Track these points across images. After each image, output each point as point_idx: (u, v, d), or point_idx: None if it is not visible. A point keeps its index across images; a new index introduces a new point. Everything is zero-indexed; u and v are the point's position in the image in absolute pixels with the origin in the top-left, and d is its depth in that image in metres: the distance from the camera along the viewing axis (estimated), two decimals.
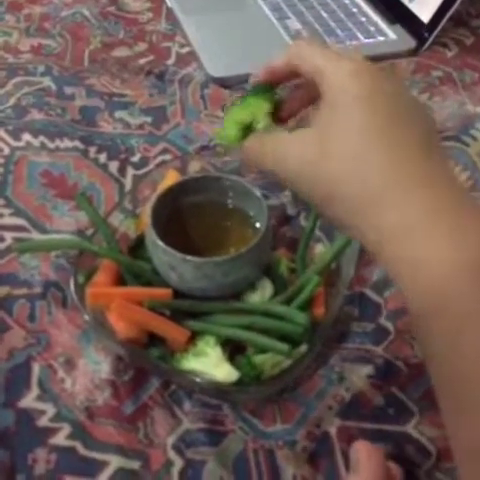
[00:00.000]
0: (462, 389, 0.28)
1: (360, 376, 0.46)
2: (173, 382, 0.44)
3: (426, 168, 0.30)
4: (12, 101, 0.67)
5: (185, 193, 0.48)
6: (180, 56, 0.76)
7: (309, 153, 0.32)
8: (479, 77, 0.75)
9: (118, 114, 0.67)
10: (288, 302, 0.46)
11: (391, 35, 0.79)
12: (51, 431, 0.42)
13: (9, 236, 0.54)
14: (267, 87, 0.38)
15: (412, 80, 0.73)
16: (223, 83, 0.71)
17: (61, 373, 0.45)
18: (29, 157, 0.61)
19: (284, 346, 0.42)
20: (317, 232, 0.52)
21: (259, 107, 0.37)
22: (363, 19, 0.81)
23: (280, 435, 0.43)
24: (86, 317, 0.44)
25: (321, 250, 0.52)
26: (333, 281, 0.48)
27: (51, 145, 0.62)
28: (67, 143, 0.62)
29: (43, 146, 0.62)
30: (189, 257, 0.43)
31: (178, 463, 0.41)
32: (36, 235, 0.54)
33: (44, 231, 0.54)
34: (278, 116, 0.38)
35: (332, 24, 0.79)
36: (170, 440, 0.42)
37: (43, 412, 0.43)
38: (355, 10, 0.83)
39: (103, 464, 0.40)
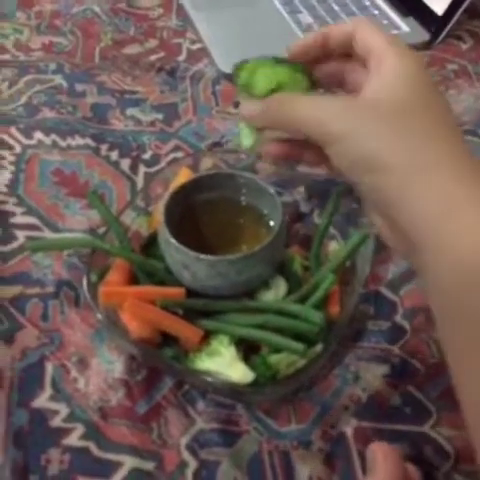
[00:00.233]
0: None
1: (376, 375, 0.45)
2: (187, 382, 0.44)
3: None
4: (23, 99, 0.67)
5: (198, 190, 0.48)
6: (191, 52, 0.75)
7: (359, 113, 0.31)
8: None
9: (129, 111, 0.66)
10: (302, 300, 0.45)
11: (404, 28, 0.78)
12: (64, 431, 0.42)
13: (21, 235, 0.53)
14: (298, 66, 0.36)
15: None
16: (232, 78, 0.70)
17: (74, 373, 0.44)
18: (41, 155, 0.60)
19: (299, 345, 0.41)
20: (331, 229, 0.51)
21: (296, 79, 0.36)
22: (376, 12, 0.80)
23: (295, 435, 0.42)
24: (99, 316, 0.44)
25: (335, 248, 0.51)
26: (348, 279, 0.47)
27: (63, 143, 0.62)
28: (78, 141, 0.62)
29: (55, 144, 0.62)
30: (202, 255, 0.42)
31: (192, 464, 0.40)
32: (48, 234, 0.54)
33: (56, 230, 0.54)
34: None
35: (344, 17, 0.78)
36: (184, 440, 0.42)
37: (56, 412, 0.42)
38: (367, 3, 0.81)
39: (117, 465, 0.40)
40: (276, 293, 0.46)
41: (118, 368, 0.45)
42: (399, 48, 0.33)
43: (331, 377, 0.45)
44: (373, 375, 0.45)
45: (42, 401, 0.43)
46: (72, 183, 0.58)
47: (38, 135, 0.62)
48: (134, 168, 0.60)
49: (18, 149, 0.61)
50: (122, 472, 0.40)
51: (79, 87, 0.69)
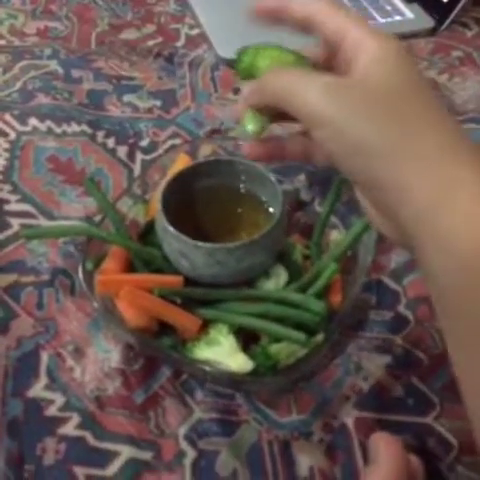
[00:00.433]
0: None
1: (378, 366, 0.44)
2: (185, 371, 0.43)
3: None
4: (18, 85, 0.65)
5: (197, 177, 0.47)
6: (189, 38, 0.74)
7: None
8: None
9: (126, 98, 0.65)
10: (303, 290, 0.44)
11: (408, 14, 0.77)
12: (60, 421, 0.41)
13: (16, 223, 0.52)
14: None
15: (431, 60, 0.71)
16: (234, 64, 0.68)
17: (70, 362, 0.44)
18: (36, 142, 0.59)
19: (301, 335, 0.40)
20: (333, 218, 0.50)
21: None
22: None
23: (295, 426, 0.41)
24: (95, 305, 0.43)
25: (336, 236, 0.50)
26: (350, 268, 0.46)
27: (58, 130, 0.61)
28: (74, 127, 0.61)
29: (50, 131, 0.60)
30: (201, 243, 0.41)
31: (191, 454, 0.40)
32: (44, 222, 0.53)
33: (52, 217, 0.53)
34: None
35: (347, 4, 0.77)
36: (182, 430, 0.41)
37: (52, 401, 0.42)
38: None
39: (114, 454, 0.39)
40: (276, 282, 0.45)
41: (115, 357, 0.44)
42: (375, 32, 0.31)
43: (332, 367, 0.44)
44: (375, 365, 0.44)
45: (37, 390, 0.42)
46: (68, 170, 0.57)
47: (33, 121, 0.61)
48: (131, 155, 0.59)
49: (13, 136, 0.60)
50: (119, 462, 0.39)
51: (75, 73, 0.68)
